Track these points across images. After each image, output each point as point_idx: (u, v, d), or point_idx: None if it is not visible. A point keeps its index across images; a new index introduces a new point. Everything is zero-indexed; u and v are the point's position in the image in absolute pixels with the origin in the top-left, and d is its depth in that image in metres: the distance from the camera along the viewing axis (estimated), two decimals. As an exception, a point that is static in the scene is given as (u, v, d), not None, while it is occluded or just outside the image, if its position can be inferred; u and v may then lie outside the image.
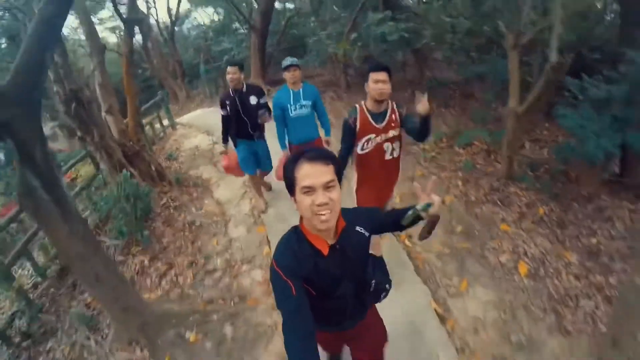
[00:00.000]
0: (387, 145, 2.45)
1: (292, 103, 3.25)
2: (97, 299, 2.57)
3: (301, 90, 3.28)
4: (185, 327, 2.77)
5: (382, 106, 2.39)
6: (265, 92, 3.76)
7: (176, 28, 13.72)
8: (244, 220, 4.01)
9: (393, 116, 2.42)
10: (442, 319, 2.67)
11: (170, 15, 12.81)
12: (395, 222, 1.39)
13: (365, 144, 2.43)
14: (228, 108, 3.46)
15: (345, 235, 1.25)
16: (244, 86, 3.43)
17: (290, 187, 1.16)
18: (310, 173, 1.09)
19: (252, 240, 3.66)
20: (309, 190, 1.09)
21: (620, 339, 2.06)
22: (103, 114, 4.70)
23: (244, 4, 11.67)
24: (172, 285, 3.28)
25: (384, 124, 2.40)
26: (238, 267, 3.34)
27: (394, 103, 2.45)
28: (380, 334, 1.70)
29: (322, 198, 1.09)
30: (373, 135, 2.41)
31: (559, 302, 2.74)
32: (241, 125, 3.50)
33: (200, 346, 2.67)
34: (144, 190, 3.88)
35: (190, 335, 2.72)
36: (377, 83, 2.26)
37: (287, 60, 3.25)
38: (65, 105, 3.64)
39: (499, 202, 3.77)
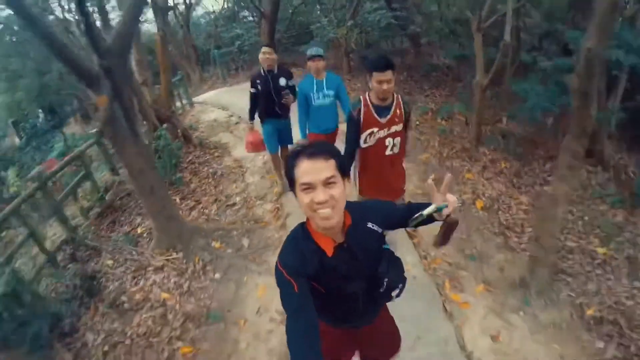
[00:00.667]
0: (389, 140, 2.40)
1: (315, 92, 3.26)
2: (148, 208, 3.39)
3: (325, 79, 3.28)
4: (211, 238, 3.64)
5: (387, 100, 2.33)
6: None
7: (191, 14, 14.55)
8: (258, 170, 4.88)
9: (398, 111, 2.35)
10: (411, 236, 3.48)
11: (185, 2, 13.63)
12: (401, 221, 1.31)
13: (368, 137, 2.38)
14: (259, 87, 3.56)
15: (353, 233, 1.19)
16: (276, 68, 3.57)
17: (291, 184, 1.12)
18: (309, 169, 1.05)
19: (265, 184, 4.53)
20: (308, 187, 1.05)
21: (540, 236, 2.82)
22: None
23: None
24: (200, 214, 4.16)
25: (387, 118, 2.33)
26: (253, 202, 4.21)
27: (400, 97, 2.38)
28: (392, 344, 1.64)
29: (322, 195, 1.04)
30: (376, 129, 2.35)
31: (507, 228, 3.51)
32: (269, 104, 3.59)
33: (223, 251, 3.54)
34: (176, 144, 4.74)
35: (215, 244, 3.58)
36: (382, 84, 2.18)
37: (312, 50, 3.25)
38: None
39: (467, 159, 4.57)
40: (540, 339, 2.37)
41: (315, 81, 3.27)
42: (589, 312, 2.49)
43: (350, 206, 1.17)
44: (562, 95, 3.79)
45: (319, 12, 10.26)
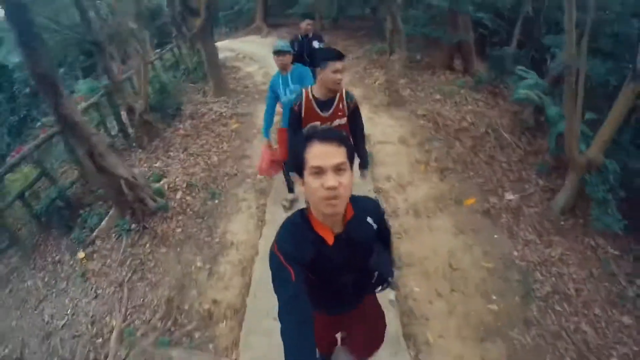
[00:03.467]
0: None
1: (282, 88, 3.21)
2: (211, 74, 6.92)
3: (290, 74, 3.21)
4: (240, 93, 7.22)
5: (330, 94, 2.31)
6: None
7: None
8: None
9: (340, 105, 2.34)
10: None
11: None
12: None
13: None
14: (296, 48, 4.28)
15: (353, 225, 1.20)
16: (312, 34, 4.47)
17: (299, 167, 1.11)
18: (321, 153, 1.04)
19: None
20: (319, 171, 1.04)
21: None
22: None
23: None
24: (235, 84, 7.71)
25: (329, 112, 2.33)
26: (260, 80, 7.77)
27: (344, 91, 2.36)
28: (378, 322, 1.67)
29: (331, 181, 1.03)
30: (318, 124, 2.19)
31: (387, 81, 7.19)
32: (303, 64, 3.75)
33: (245, 97, 7.11)
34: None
35: (242, 95, 7.16)
36: (337, 73, 2.17)
37: (277, 45, 3.22)
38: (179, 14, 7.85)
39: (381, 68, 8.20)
40: (395, 123, 5.89)
41: (281, 77, 3.21)
42: (419, 112, 6.03)
43: (352, 198, 1.18)
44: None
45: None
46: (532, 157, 4.69)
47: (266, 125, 3.40)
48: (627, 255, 3.34)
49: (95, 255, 3.59)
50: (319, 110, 2.33)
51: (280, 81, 3.21)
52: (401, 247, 3.28)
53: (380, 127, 5.49)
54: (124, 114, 5.31)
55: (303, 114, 2.34)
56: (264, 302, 2.77)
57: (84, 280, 3.40)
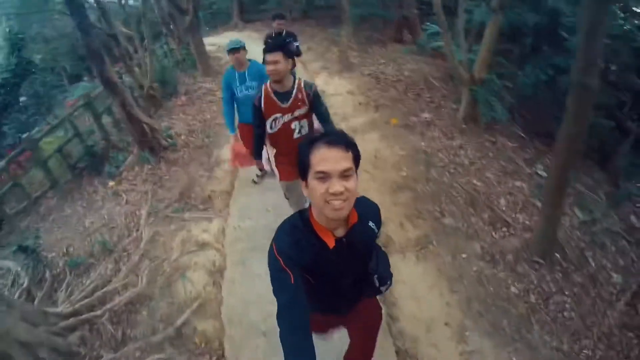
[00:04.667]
0: (295, 124, 2.49)
1: (238, 85, 3.29)
2: (199, 58, 8.35)
3: (247, 71, 3.29)
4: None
5: (286, 85, 2.41)
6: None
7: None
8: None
9: (299, 95, 2.43)
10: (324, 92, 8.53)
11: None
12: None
13: (273, 123, 2.49)
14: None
15: (356, 230, 1.21)
16: (284, 31, 4.68)
17: (303, 171, 1.10)
18: (328, 158, 1.04)
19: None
20: (324, 176, 1.04)
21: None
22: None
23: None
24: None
25: (289, 103, 2.43)
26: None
27: (302, 81, 2.47)
28: (374, 314, 1.69)
29: (337, 186, 1.03)
30: (279, 115, 2.45)
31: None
32: None
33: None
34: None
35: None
36: (269, 64, 2.29)
37: (231, 43, 3.28)
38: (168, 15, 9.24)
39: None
40: (345, 81, 7.35)
41: (237, 74, 3.30)
42: (365, 72, 7.50)
43: (356, 202, 1.15)
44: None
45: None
46: (453, 94, 6.17)
47: (228, 120, 3.56)
48: (529, 149, 4.69)
49: (123, 181, 4.94)
50: (278, 102, 2.43)
51: (237, 77, 3.33)
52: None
53: (333, 85, 6.98)
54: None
55: (263, 108, 2.45)
56: (245, 185, 4.30)
57: (115, 196, 4.71)
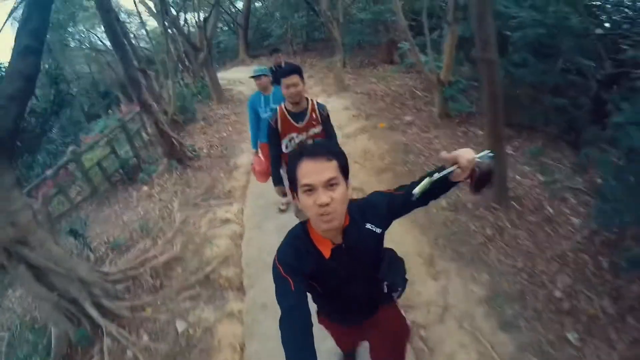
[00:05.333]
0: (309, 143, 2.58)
1: (262, 106, 3.65)
2: (214, 91, 9.57)
3: (272, 95, 3.68)
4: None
5: (301, 106, 2.55)
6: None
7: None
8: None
9: (313, 115, 2.58)
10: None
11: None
12: (406, 200, 1.22)
13: (289, 142, 2.61)
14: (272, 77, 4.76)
15: (351, 233, 1.20)
16: (283, 63, 5.21)
17: (293, 186, 1.13)
18: (311, 170, 1.06)
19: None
20: (310, 188, 1.06)
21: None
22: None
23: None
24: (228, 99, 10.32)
25: (304, 122, 2.57)
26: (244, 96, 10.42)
27: (315, 102, 2.63)
28: (398, 327, 1.62)
29: (323, 197, 1.05)
30: (295, 134, 2.58)
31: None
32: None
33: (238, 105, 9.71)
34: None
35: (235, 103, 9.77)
36: (289, 88, 2.41)
37: (256, 71, 3.67)
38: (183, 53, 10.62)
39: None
40: (341, 100, 8.51)
41: (262, 97, 3.66)
42: (358, 91, 8.65)
43: (349, 205, 1.17)
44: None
45: (278, 18, 16.64)
46: (434, 100, 7.10)
47: (253, 139, 3.89)
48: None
49: (155, 185, 5.92)
50: (293, 122, 2.56)
51: (262, 100, 3.66)
52: (351, 146, 5.67)
53: (330, 104, 7.96)
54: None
55: (280, 127, 2.57)
56: (255, 185, 5.07)
57: (149, 197, 5.64)
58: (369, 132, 6.14)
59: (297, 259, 1.16)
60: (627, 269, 2.50)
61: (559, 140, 4.99)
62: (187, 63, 11.08)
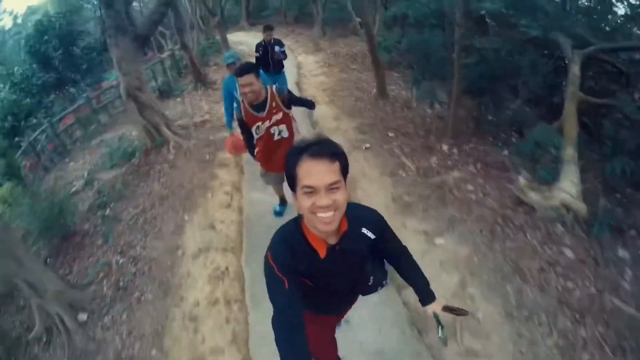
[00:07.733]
0: (274, 129, 2.83)
1: (238, 90, 3.58)
2: (224, 47, 12.74)
3: None
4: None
5: (259, 99, 2.67)
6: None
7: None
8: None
9: (273, 103, 2.72)
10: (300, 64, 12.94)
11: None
12: (388, 255, 1.46)
13: (256, 130, 2.82)
14: (261, 52, 5.40)
15: (348, 237, 1.21)
16: (272, 40, 5.48)
17: (291, 183, 1.10)
18: (313, 172, 1.03)
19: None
20: (311, 190, 1.04)
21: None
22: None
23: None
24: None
25: (265, 112, 2.73)
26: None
27: (273, 89, 2.74)
28: None
29: (325, 200, 1.03)
30: (260, 123, 2.77)
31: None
32: (267, 64, 5.33)
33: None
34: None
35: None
36: (244, 87, 2.53)
37: (227, 58, 3.73)
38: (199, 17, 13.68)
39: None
40: (315, 57, 11.75)
41: (237, 81, 3.55)
42: (329, 51, 11.97)
43: (348, 209, 1.14)
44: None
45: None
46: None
47: (228, 120, 4.12)
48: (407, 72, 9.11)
49: (186, 97, 9.23)
50: (256, 114, 2.74)
51: (237, 85, 3.58)
52: (313, 80, 9.08)
53: (307, 60, 11.37)
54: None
55: (246, 120, 2.78)
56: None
57: (182, 103, 9.01)
58: (327, 75, 9.56)
59: (292, 258, 1.16)
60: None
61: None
62: (201, 25, 14.16)
